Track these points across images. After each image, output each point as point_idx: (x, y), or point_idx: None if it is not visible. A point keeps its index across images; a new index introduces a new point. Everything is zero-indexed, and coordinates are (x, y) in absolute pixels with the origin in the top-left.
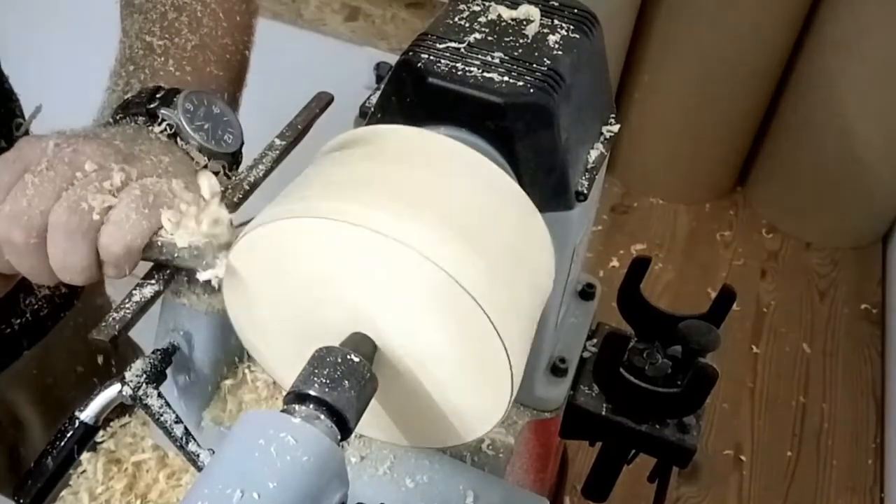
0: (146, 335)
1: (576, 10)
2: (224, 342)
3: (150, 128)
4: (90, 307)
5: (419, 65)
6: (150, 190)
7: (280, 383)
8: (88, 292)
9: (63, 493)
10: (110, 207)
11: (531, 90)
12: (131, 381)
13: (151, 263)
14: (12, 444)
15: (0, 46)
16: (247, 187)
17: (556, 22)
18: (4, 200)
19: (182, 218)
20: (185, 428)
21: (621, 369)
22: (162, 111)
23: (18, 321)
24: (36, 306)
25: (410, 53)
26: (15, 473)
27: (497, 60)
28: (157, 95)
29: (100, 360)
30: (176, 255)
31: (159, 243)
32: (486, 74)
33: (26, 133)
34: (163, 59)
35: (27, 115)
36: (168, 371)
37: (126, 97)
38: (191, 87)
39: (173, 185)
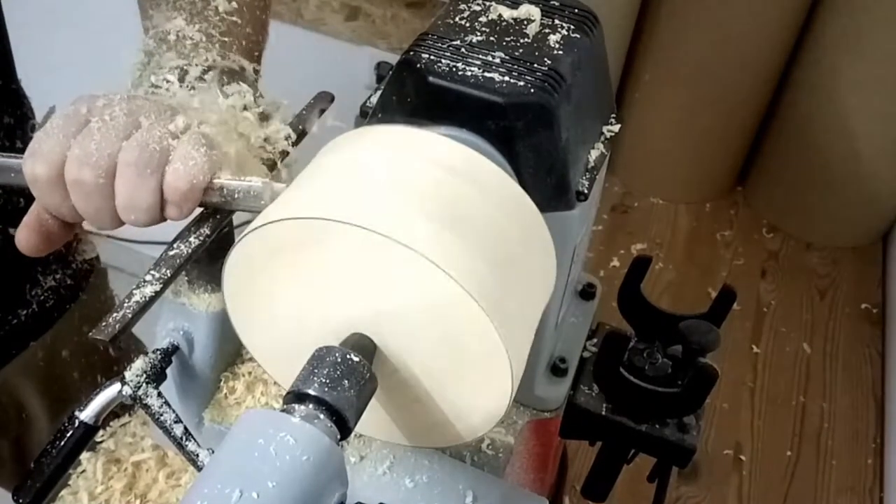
0: (151, 332)
1: (576, 10)
2: (224, 342)
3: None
4: (95, 300)
5: (420, 64)
6: (209, 135)
7: (280, 383)
8: (94, 286)
9: (63, 492)
10: (174, 149)
11: (532, 90)
12: (131, 381)
13: (150, 262)
14: (17, 436)
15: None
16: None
17: (556, 22)
18: (72, 146)
19: (242, 162)
20: (185, 427)
21: (621, 369)
22: (197, 84)
23: (24, 312)
24: (41, 297)
25: (411, 53)
26: (19, 465)
27: (498, 60)
28: (190, 72)
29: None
30: (236, 196)
31: (219, 185)
32: (486, 74)
33: None
34: (193, 41)
35: (39, 116)
36: (168, 371)
37: (160, 74)
38: (219, 67)
39: (229, 139)
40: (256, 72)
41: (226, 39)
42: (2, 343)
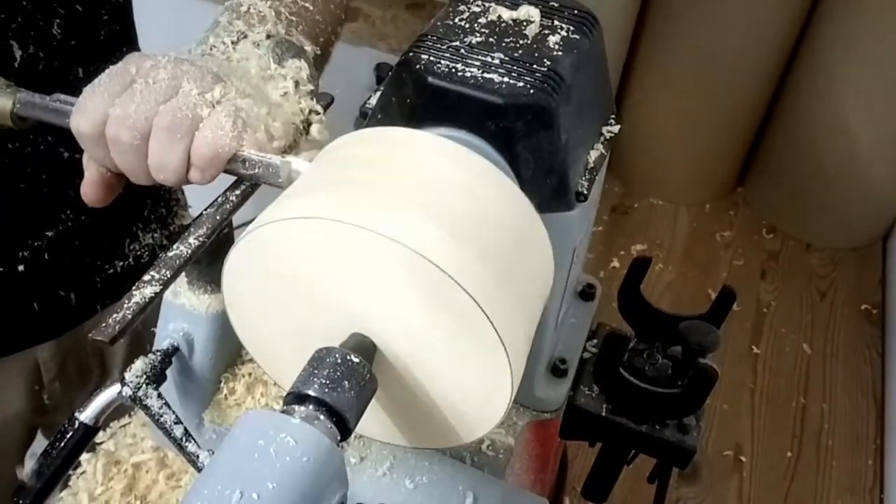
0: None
1: (576, 11)
2: (224, 343)
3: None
4: None
5: (419, 65)
6: (243, 108)
7: (280, 384)
8: None
9: (62, 493)
10: (207, 117)
11: (531, 91)
12: (131, 382)
13: (150, 265)
14: (95, 388)
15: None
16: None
17: (556, 22)
18: (114, 105)
19: (270, 138)
20: (185, 429)
21: (621, 370)
22: (252, 51)
23: (121, 264)
24: (138, 253)
25: (410, 54)
26: None
27: (497, 61)
28: (250, 37)
29: None
30: (256, 169)
31: (242, 157)
32: (486, 75)
33: None
34: (261, 14)
35: None
36: (168, 372)
37: (220, 36)
38: (279, 39)
39: (262, 110)
40: (317, 56)
41: (293, 19)
42: (96, 292)
